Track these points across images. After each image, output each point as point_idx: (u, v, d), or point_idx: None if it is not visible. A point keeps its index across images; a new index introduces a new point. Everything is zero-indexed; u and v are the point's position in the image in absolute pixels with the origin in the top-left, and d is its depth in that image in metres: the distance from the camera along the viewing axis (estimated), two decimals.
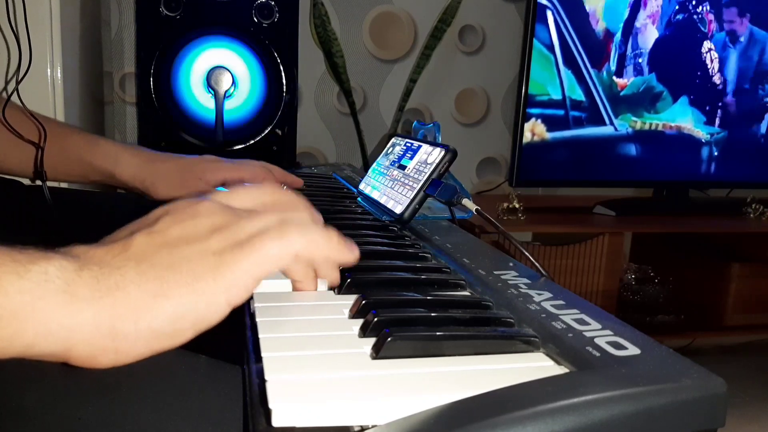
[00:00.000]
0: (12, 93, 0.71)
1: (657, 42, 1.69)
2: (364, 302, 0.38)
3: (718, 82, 1.75)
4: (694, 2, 1.70)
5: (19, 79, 0.71)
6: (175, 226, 0.37)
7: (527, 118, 1.63)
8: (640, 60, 1.68)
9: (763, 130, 1.81)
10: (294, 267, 0.42)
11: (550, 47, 1.62)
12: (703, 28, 1.72)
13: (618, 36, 1.66)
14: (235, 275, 0.34)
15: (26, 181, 0.79)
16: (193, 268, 0.34)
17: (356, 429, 0.27)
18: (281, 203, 0.43)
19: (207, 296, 0.33)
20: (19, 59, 0.73)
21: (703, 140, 1.76)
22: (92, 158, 0.76)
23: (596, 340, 0.33)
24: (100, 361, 0.33)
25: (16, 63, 0.78)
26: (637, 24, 1.67)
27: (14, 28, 0.72)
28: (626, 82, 1.68)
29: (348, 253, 0.41)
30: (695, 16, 1.71)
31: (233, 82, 1.33)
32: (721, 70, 1.75)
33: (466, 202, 0.56)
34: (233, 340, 0.42)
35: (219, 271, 0.34)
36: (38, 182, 0.76)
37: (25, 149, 0.74)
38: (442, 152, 0.61)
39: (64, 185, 0.90)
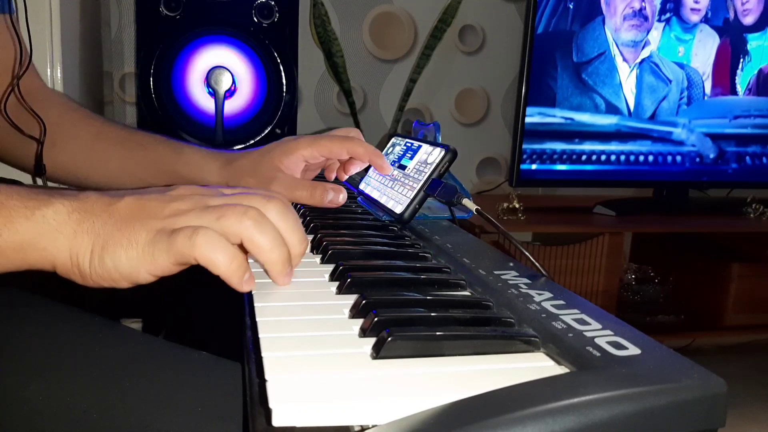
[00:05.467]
0: (12, 88, 0.71)
1: (660, 40, 1.69)
2: (364, 302, 0.38)
3: (720, 81, 1.75)
4: (701, 5, 1.70)
5: (20, 74, 0.71)
6: (155, 201, 0.43)
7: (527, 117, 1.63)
8: (642, 58, 1.68)
9: (763, 129, 1.81)
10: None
11: (552, 45, 1.62)
12: (706, 28, 1.72)
13: (620, 34, 1.66)
14: (155, 254, 0.40)
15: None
16: (131, 237, 0.41)
17: (356, 429, 0.27)
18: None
19: (132, 261, 0.41)
20: (20, 55, 0.73)
21: (703, 140, 1.76)
22: (178, 166, 0.74)
23: (596, 340, 0.33)
24: (72, 278, 0.42)
25: (17, 61, 0.78)
26: (640, 22, 1.67)
27: (15, 27, 0.72)
28: (628, 80, 1.68)
29: (237, 284, 0.41)
30: (698, 15, 1.71)
31: (233, 82, 1.33)
32: (725, 69, 1.75)
33: (466, 202, 0.56)
34: (234, 337, 0.42)
35: (147, 246, 0.41)
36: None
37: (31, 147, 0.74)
38: (442, 152, 0.61)
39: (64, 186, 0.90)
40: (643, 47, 1.68)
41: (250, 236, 0.41)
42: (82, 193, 0.43)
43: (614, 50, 1.66)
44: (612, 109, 1.68)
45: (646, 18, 1.66)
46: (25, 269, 0.42)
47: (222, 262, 0.39)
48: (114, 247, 0.40)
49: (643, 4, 1.65)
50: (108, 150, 0.76)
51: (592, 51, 1.65)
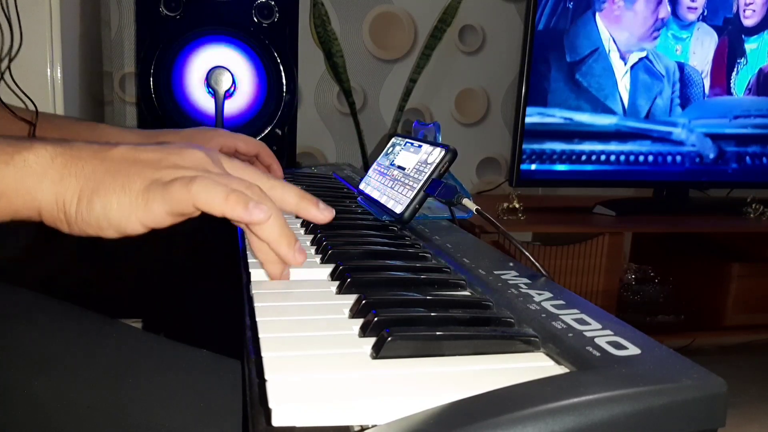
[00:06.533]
0: (3, 72, 0.71)
1: (660, 41, 1.69)
2: (364, 302, 0.38)
3: (720, 80, 1.75)
4: (697, 3, 1.70)
5: (12, 57, 0.72)
6: (152, 152, 0.42)
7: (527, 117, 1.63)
8: (640, 57, 1.68)
9: (763, 129, 1.81)
10: (256, 245, 0.44)
11: (552, 45, 1.62)
12: (703, 26, 1.72)
13: (620, 33, 1.66)
14: (149, 202, 0.39)
15: None
16: (125, 183, 0.40)
17: (356, 429, 0.27)
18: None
19: (124, 208, 0.39)
20: (11, 40, 0.73)
21: (703, 140, 1.76)
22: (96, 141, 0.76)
23: (596, 340, 0.33)
24: (58, 226, 0.41)
25: (8, 45, 0.78)
26: (641, 23, 1.67)
27: (5, 11, 0.72)
28: (628, 80, 1.68)
29: (243, 212, 0.40)
30: (695, 14, 1.71)
31: (233, 82, 1.33)
32: (725, 68, 1.75)
33: (466, 202, 0.56)
34: (234, 335, 0.42)
35: (141, 193, 0.40)
36: None
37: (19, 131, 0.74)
38: (442, 152, 0.61)
39: None
40: (642, 49, 1.68)
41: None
42: (67, 140, 0.42)
43: (613, 50, 1.66)
44: (612, 109, 1.68)
45: (645, 18, 1.66)
46: (11, 218, 0.40)
47: (219, 202, 0.39)
48: (105, 192, 0.39)
49: (644, 4, 1.65)
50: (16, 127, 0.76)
51: (592, 51, 1.65)
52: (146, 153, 0.42)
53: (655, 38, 1.68)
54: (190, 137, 0.80)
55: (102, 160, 0.41)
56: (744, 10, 1.73)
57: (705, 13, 1.71)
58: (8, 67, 0.71)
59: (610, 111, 1.68)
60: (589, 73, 1.65)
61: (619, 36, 1.65)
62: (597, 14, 1.63)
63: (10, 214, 0.40)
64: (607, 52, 1.65)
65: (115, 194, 0.39)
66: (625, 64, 1.67)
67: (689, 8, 1.69)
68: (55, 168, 0.40)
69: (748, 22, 1.74)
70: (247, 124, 1.38)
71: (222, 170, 0.43)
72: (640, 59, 1.68)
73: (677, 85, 1.72)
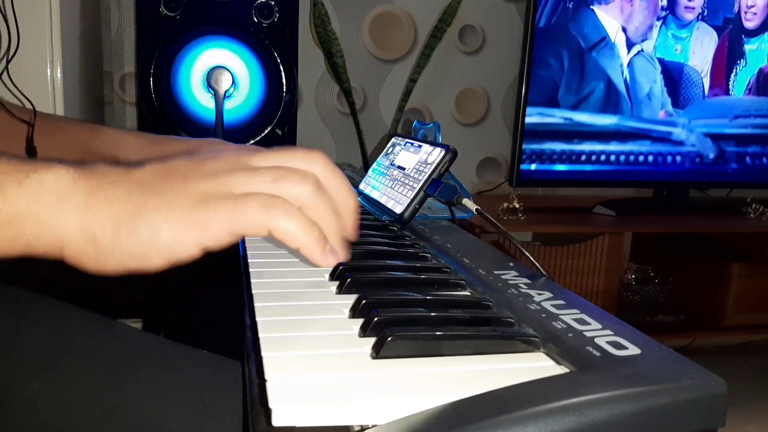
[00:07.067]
0: (1, 73, 0.70)
1: (657, 38, 1.69)
2: (364, 302, 0.38)
3: (720, 80, 1.75)
4: (695, 3, 1.70)
5: (10, 58, 0.71)
6: (186, 164, 0.37)
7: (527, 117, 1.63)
8: (641, 56, 1.68)
9: (763, 129, 1.81)
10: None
11: (552, 45, 1.62)
12: (703, 26, 1.72)
13: (622, 36, 1.66)
14: (209, 220, 0.34)
15: None
16: (173, 200, 0.34)
17: (356, 429, 0.27)
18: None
19: (177, 229, 0.34)
20: (9, 40, 0.73)
21: (703, 140, 1.76)
22: (95, 145, 0.73)
23: (596, 340, 0.33)
24: (85, 264, 0.34)
25: (5, 46, 0.78)
26: (641, 22, 1.67)
27: (2, 11, 0.72)
28: (628, 79, 1.68)
29: (320, 257, 0.38)
30: (693, 13, 1.71)
31: (233, 82, 1.33)
32: (725, 68, 1.75)
33: (466, 202, 0.56)
34: (234, 335, 0.42)
35: (195, 210, 0.34)
36: None
37: (17, 135, 0.73)
38: (442, 152, 0.61)
39: None
40: (642, 48, 1.68)
41: (309, 205, 0.37)
42: (87, 162, 0.37)
43: (615, 47, 1.66)
44: (612, 109, 1.68)
45: (645, 17, 1.66)
46: (22, 252, 0.34)
47: (299, 235, 0.36)
48: (151, 213, 0.34)
49: (643, 2, 1.65)
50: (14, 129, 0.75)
51: (593, 51, 1.65)
52: (180, 164, 0.37)
53: (660, 27, 1.68)
54: (199, 148, 0.74)
55: (134, 181, 0.35)
56: (746, 12, 1.73)
57: (704, 13, 1.71)
58: (6, 68, 0.70)
59: (610, 111, 1.68)
60: (590, 68, 1.65)
61: (624, 26, 1.65)
62: (598, 7, 1.63)
63: (21, 246, 0.33)
64: (613, 42, 1.65)
65: (162, 214, 0.34)
66: (628, 54, 1.67)
67: (687, 8, 1.69)
68: (80, 191, 0.34)
69: (749, 24, 1.74)
70: (247, 124, 1.38)
71: (261, 159, 0.39)
72: (639, 52, 1.68)
73: (676, 84, 1.72)
